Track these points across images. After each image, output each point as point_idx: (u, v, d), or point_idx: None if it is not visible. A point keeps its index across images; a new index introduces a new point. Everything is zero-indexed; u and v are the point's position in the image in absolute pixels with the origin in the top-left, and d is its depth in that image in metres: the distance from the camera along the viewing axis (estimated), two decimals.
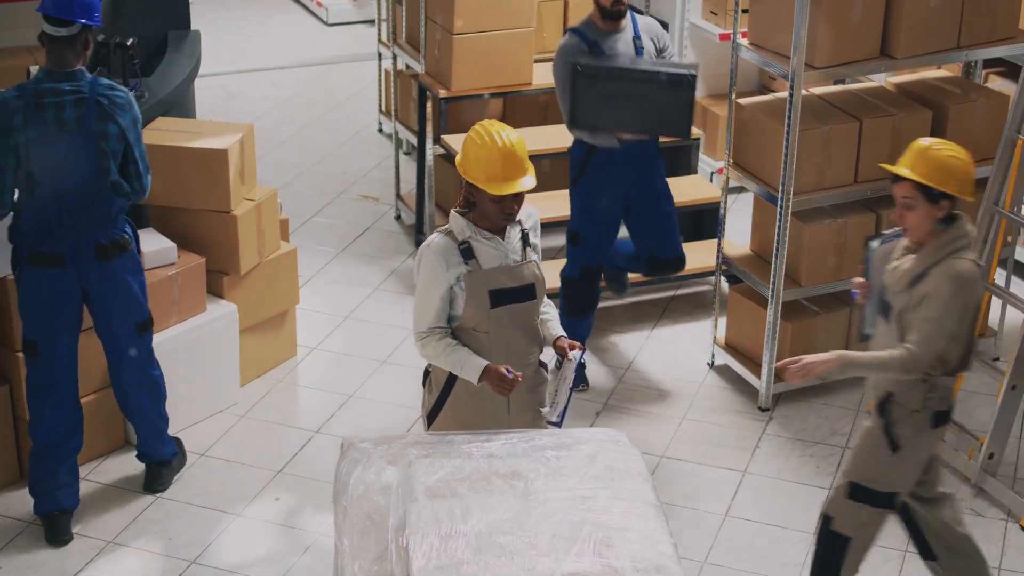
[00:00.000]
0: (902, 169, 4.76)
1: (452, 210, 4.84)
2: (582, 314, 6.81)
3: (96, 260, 5.61)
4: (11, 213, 5.61)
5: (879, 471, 5.00)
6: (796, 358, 4.83)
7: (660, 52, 6.60)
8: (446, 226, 4.83)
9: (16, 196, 5.58)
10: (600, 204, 6.64)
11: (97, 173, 5.50)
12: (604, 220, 6.70)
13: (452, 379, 4.89)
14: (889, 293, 4.89)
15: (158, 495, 6.10)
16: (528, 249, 4.88)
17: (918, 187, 4.72)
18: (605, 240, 6.75)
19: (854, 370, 4.91)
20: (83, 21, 5.43)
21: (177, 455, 6.23)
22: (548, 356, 5.16)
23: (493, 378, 4.75)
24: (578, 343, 4.89)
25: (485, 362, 4.76)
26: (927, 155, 4.75)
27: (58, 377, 5.73)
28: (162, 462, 6.14)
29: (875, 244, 5.06)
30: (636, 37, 6.53)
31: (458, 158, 4.82)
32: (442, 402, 4.96)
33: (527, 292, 4.83)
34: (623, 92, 6.23)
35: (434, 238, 4.80)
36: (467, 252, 4.75)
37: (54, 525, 5.82)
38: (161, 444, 6.11)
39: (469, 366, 4.77)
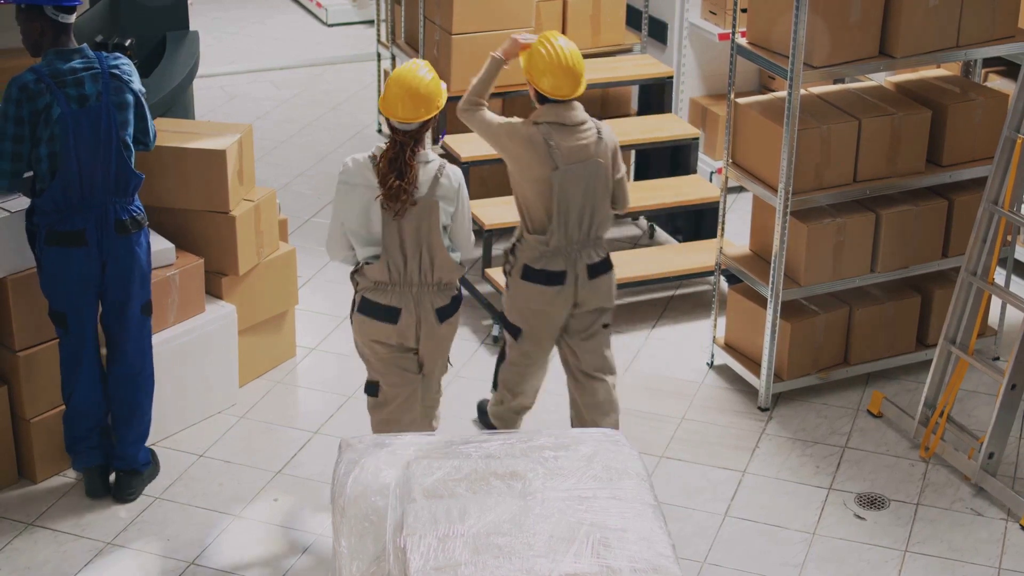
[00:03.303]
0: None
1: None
2: None
3: (117, 234, 5.73)
4: (29, 197, 5.81)
5: (506, 306, 5.99)
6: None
7: None
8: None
9: (32, 179, 5.73)
10: None
11: (118, 146, 5.68)
12: None
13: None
14: None
15: (156, 497, 6.10)
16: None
17: None
18: None
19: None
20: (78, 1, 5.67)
21: (150, 466, 6.18)
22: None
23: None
24: None
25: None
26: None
27: (86, 348, 5.88)
28: (134, 471, 6.09)
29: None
30: None
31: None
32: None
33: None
34: None
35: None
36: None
37: (92, 479, 6.07)
38: (139, 451, 6.09)
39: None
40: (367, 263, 5.46)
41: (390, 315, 5.47)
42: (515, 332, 5.99)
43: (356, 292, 5.56)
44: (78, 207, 5.66)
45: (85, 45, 5.71)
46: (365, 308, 5.51)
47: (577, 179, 5.74)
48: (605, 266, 5.92)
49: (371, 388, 5.68)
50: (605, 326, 6.01)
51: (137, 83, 5.77)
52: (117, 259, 5.78)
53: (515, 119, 5.83)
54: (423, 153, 5.42)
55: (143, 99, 5.80)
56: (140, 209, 5.84)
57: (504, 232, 7.80)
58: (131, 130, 5.75)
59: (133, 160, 5.76)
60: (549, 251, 5.79)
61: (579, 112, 5.83)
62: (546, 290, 5.83)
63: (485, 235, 7.50)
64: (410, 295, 5.47)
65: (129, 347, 5.96)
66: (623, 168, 5.98)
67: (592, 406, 6.06)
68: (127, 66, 5.75)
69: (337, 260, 5.65)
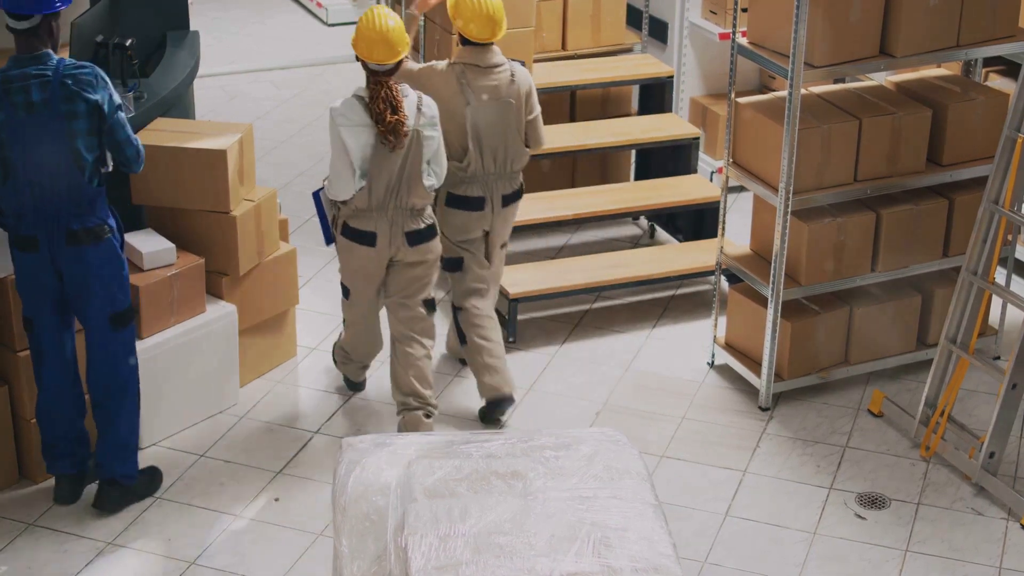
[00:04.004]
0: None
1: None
2: None
3: (66, 245, 5.63)
4: None
5: (443, 232, 6.49)
6: None
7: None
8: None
9: None
10: None
11: (68, 157, 5.53)
12: None
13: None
14: None
15: (157, 497, 6.10)
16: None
17: None
18: None
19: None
20: (43, 12, 5.47)
21: (135, 482, 6.01)
22: None
23: None
24: None
25: None
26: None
27: (45, 355, 5.82)
28: (112, 481, 5.97)
29: None
30: None
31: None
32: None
33: None
34: None
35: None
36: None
37: (60, 486, 6.01)
38: (119, 462, 5.94)
39: None
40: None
41: (370, 239, 6.11)
42: (454, 264, 6.64)
43: (338, 217, 6.17)
44: (30, 213, 5.58)
45: (48, 51, 5.50)
46: (347, 233, 6.15)
47: (489, 115, 6.39)
48: (516, 195, 6.65)
49: (345, 291, 6.44)
50: (503, 246, 6.88)
51: (100, 94, 5.51)
52: (71, 269, 5.67)
53: (435, 62, 6.49)
54: (401, 88, 6.01)
55: (116, 112, 5.57)
56: (102, 220, 5.66)
57: None
58: (87, 141, 5.52)
59: (90, 172, 5.57)
60: (468, 177, 6.46)
61: (496, 55, 6.45)
62: (471, 215, 6.53)
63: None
64: (386, 219, 6.08)
65: (95, 357, 5.85)
66: (537, 109, 6.57)
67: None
68: (88, 75, 5.49)
69: (346, 197, 6.04)
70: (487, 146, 6.41)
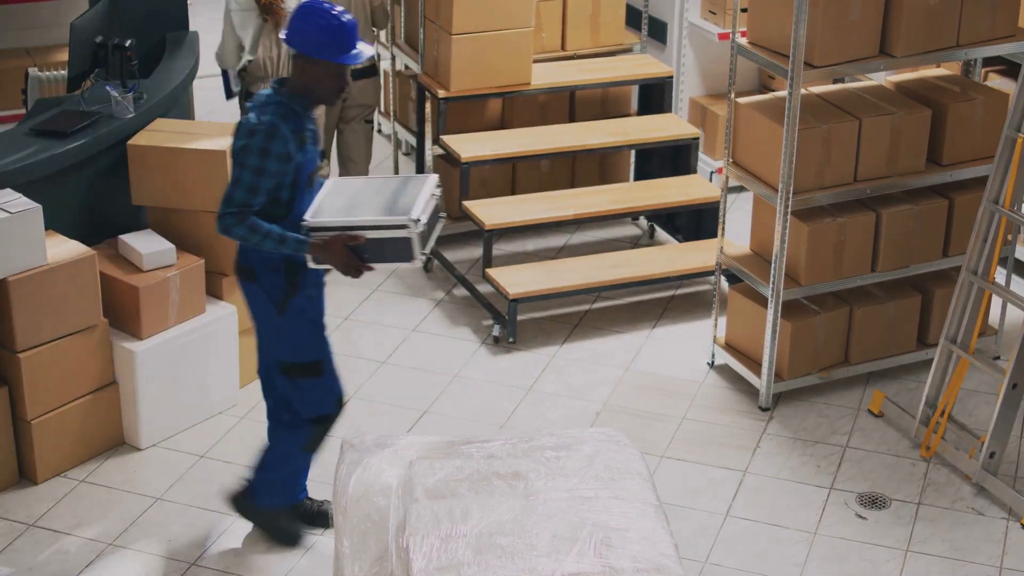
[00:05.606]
0: None
1: None
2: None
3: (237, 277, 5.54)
4: None
5: None
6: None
7: None
8: None
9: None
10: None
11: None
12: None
13: None
14: None
15: (157, 498, 6.10)
16: None
17: None
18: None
19: None
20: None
21: (252, 505, 5.75)
22: None
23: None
24: None
25: None
26: None
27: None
28: (243, 493, 5.80)
29: None
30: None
31: None
32: None
33: None
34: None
35: None
36: None
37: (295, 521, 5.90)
38: (255, 480, 5.76)
39: None
40: (250, 62, 7.43)
41: None
42: None
43: (243, 85, 7.52)
44: None
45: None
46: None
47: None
48: (371, 71, 7.83)
49: None
50: (367, 122, 8.00)
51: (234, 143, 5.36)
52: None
53: None
54: None
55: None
56: (246, 260, 5.43)
57: (504, 232, 7.82)
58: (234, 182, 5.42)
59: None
60: None
61: None
62: None
63: (486, 235, 7.50)
64: None
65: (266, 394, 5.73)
66: None
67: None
68: (241, 123, 5.39)
69: (228, 67, 7.55)
70: None
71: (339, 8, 5.29)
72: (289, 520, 5.83)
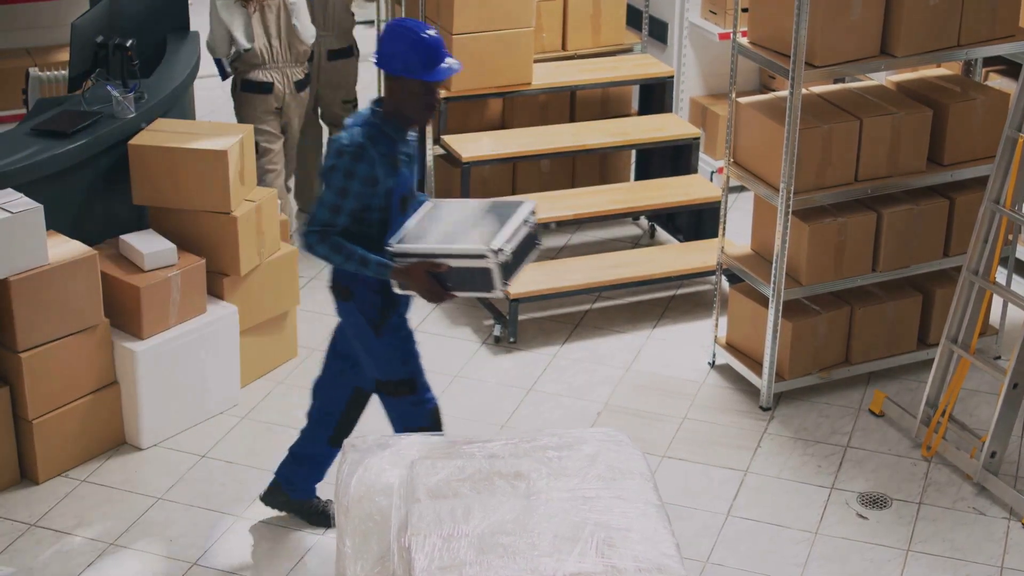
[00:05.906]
0: None
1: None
2: None
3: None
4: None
5: None
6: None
7: None
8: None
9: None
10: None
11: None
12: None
13: None
14: None
15: (158, 498, 6.10)
16: None
17: None
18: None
19: None
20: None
21: (280, 489, 5.92)
22: None
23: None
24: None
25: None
26: None
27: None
28: (276, 480, 5.95)
29: None
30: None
31: None
32: None
33: None
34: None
35: None
36: None
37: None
38: (283, 465, 5.92)
39: None
40: (246, 50, 7.57)
41: (267, 88, 7.68)
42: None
43: (236, 76, 7.71)
44: None
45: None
46: (247, 87, 7.71)
47: None
48: (347, 52, 8.26)
49: (257, 146, 7.52)
50: (347, 102, 8.34)
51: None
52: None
53: None
54: None
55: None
56: (343, 278, 5.41)
57: None
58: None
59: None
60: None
61: None
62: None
63: None
64: (278, 70, 7.68)
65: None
66: None
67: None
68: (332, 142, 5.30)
69: (220, 55, 7.69)
70: (317, 9, 8.05)
71: (425, 27, 5.16)
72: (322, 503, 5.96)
